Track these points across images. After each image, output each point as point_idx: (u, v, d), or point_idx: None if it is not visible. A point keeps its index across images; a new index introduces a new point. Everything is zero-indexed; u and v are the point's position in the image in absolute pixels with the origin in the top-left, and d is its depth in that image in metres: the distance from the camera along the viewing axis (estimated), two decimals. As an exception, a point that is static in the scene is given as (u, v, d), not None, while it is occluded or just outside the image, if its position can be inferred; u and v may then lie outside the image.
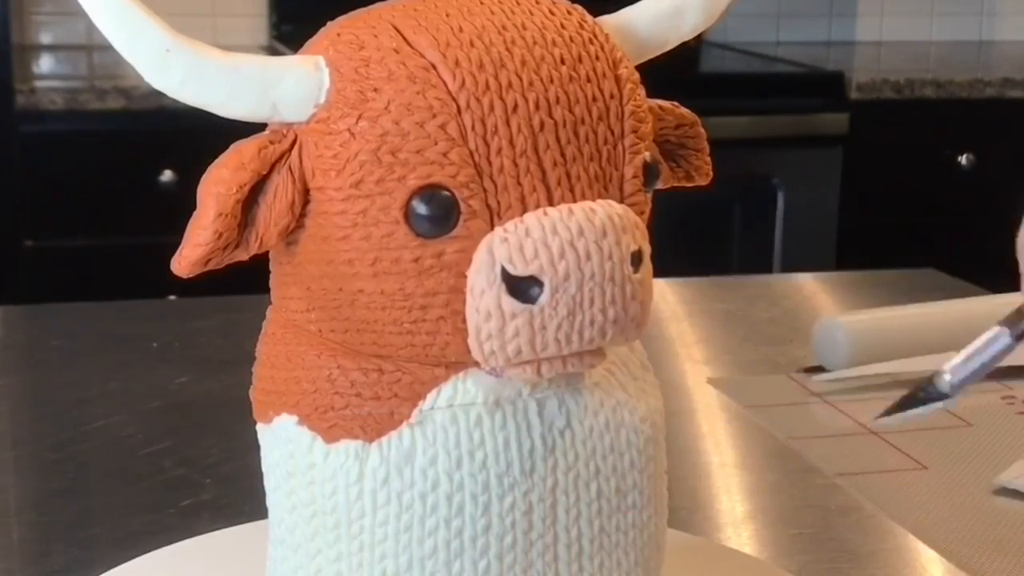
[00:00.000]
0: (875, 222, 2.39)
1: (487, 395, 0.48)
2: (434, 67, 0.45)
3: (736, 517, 0.79)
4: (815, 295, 1.22)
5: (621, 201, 0.47)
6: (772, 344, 1.07)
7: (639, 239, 0.46)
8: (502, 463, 0.48)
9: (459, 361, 0.47)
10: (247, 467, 0.56)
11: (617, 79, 0.48)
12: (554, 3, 0.48)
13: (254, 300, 0.57)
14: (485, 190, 0.45)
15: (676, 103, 0.52)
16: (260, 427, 0.51)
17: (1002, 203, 2.51)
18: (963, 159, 2.43)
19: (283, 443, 0.50)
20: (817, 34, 2.97)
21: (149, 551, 0.69)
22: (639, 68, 0.49)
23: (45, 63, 2.58)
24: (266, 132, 0.47)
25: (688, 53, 2.59)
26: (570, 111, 0.46)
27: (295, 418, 0.49)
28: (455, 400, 0.48)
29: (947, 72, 2.53)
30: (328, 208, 0.46)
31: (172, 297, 1.41)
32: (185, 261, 0.46)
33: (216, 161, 0.46)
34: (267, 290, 0.51)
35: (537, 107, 0.46)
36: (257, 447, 0.52)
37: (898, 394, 0.53)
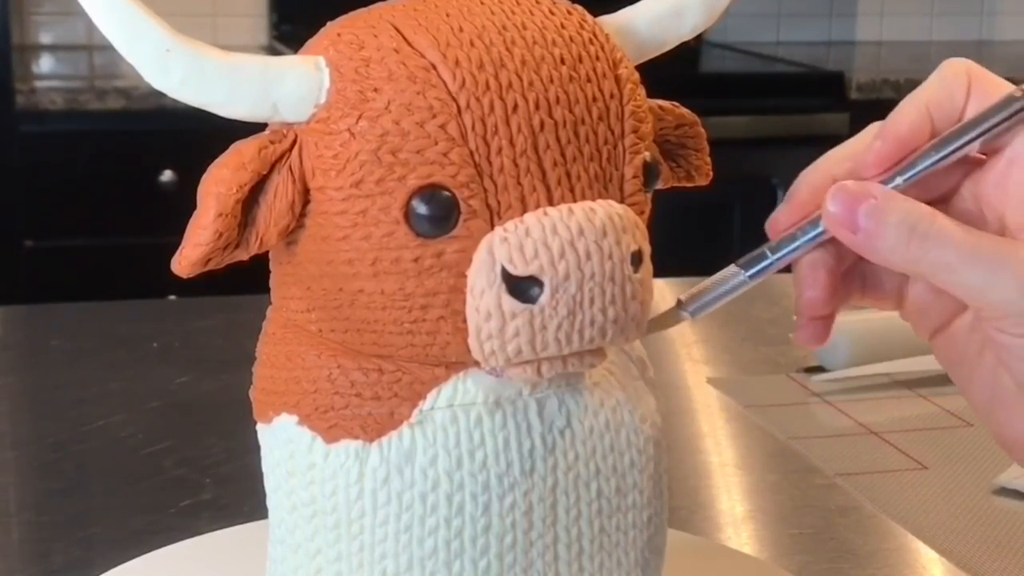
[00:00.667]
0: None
1: (487, 395, 0.48)
2: (434, 67, 0.45)
3: (736, 517, 0.79)
4: (815, 295, 1.21)
5: (621, 201, 0.47)
6: (772, 344, 1.07)
7: (639, 239, 0.46)
8: (502, 463, 0.48)
9: (459, 361, 0.47)
10: (247, 467, 0.57)
11: (617, 79, 0.48)
12: (554, 3, 0.48)
13: (254, 300, 0.57)
14: (485, 190, 0.45)
15: (676, 103, 0.52)
16: (260, 427, 0.51)
17: None
18: (963, 159, 2.42)
19: (283, 443, 0.50)
20: (817, 34, 2.97)
21: (149, 551, 0.69)
22: (639, 68, 0.49)
23: (45, 63, 2.58)
24: (266, 132, 0.47)
25: (688, 53, 2.59)
26: (570, 111, 0.46)
27: (295, 418, 0.49)
28: (455, 400, 0.48)
29: (947, 72, 2.52)
30: (328, 208, 0.46)
31: (172, 297, 1.41)
32: (185, 261, 0.46)
33: (216, 161, 0.46)
34: (267, 290, 0.51)
35: (537, 107, 0.46)
36: (257, 447, 0.52)
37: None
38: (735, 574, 0.70)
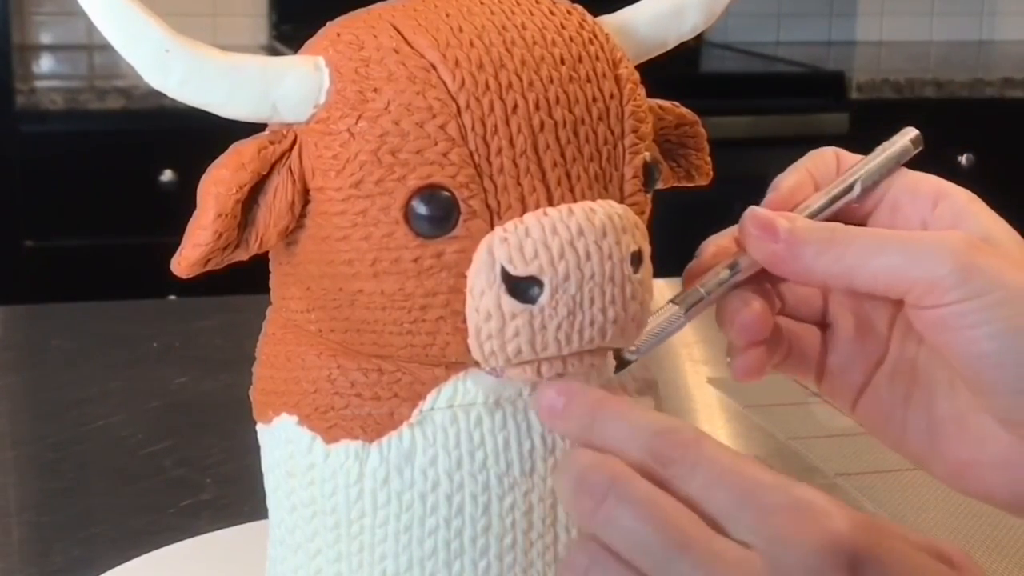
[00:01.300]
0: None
1: (487, 395, 0.48)
2: (434, 67, 0.45)
3: (736, 517, 0.79)
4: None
5: (621, 201, 0.47)
6: (772, 344, 1.07)
7: (639, 239, 0.46)
8: (502, 463, 0.48)
9: (459, 361, 0.47)
10: (247, 467, 0.56)
11: (617, 79, 0.47)
12: (554, 3, 0.48)
13: (254, 300, 0.57)
14: (485, 190, 0.45)
15: (676, 103, 0.52)
16: (260, 427, 0.51)
17: (1002, 203, 2.51)
18: (963, 159, 2.43)
19: (283, 443, 0.50)
20: (817, 34, 2.97)
21: (149, 551, 0.69)
22: (639, 68, 0.49)
23: (45, 63, 2.58)
24: (266, 132, 0.47)
25: (688, 53, 2.58)
26: (570, 111, 0.46)
27: (295, 418, 0.49)
28: (455, 400, 0.48)
29: (947, 72, 2.53)
30: (328, 208, 0.46)
31: (172, 297, 1.41)
32: (185, 261, 0.46)
33: (216, 161, 0.46)
34: (267, 290, 0.51)
35: (537, 107, 0.46)
36: (257, 447, 0.52)
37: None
38: (735, 574, 0.69)
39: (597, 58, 0.47)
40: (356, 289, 0.47)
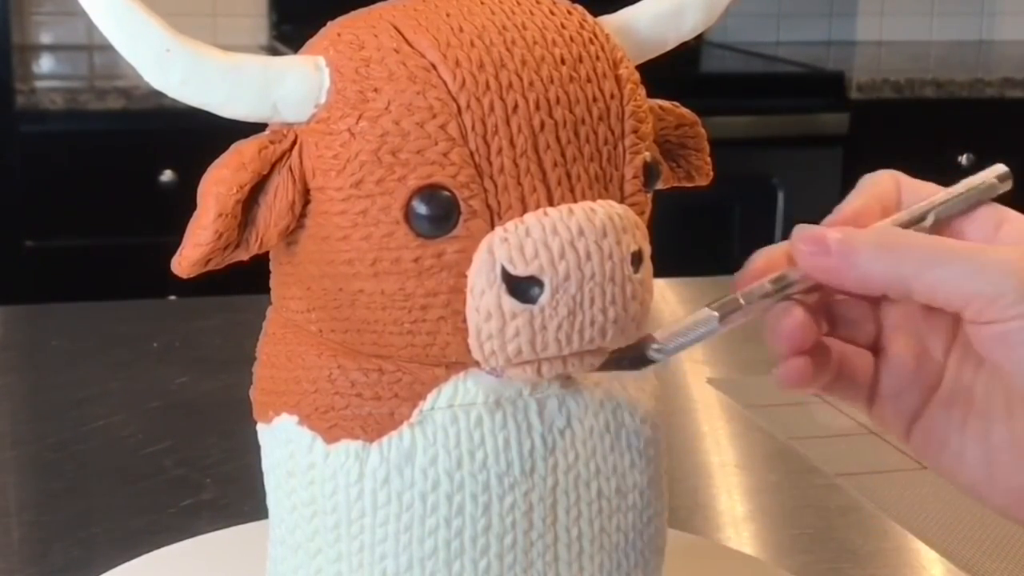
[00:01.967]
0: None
1: (487, 395, 0.48)
2: (434, 67, 0.45)
3: (736, 517, 0.79)
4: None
5: (621, 201, 0.47)
6: (772, 344, 1.07)
7: (639, 239, 0.46)
8: (502, 463, 0.48)
9: (459, 361, 0.47)
10: (247, 467, 0.56)
11: (617, 79, 0.47)
12: (554, 3, 0.48)
13: (254, 300, 0.57)
14: (485, 190, 0.45)
15: (676, 103, 0.52)
16: (260, 427, 0.51)
17: (1002, 203, 2.52)
18: (963, 159, 2.43)
19: (283, 443, 0.50)
20: (817, 34, 2.97)
21: (149, 551, 0.69)
22: (639, 68, 0.49)
23: (45, 63, 2.58)
24: (266, 132, 0.47)
25: (688, 53, 2.58)
26: (570, 111, 0.46)
27: (295, 418, 0.49)
28: (455, 400, 0.48)
29: (947, 72, 2.53)
30: (328, 208, 0.46)
31: (172, 297, 1.41)
32: (185, 261, 0.46)
33: (216, 161, 0.46)
34: (267, 290, 0.51)
35: (537, 107, 0.46)
36: (257, 447, 0.52)
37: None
38: (735, 574, 0.70)
39: (597, 58, 0.47)
40: (356, 289, 0.47)
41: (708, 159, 0.53)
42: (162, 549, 0.69)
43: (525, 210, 0.45)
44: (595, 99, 0.47)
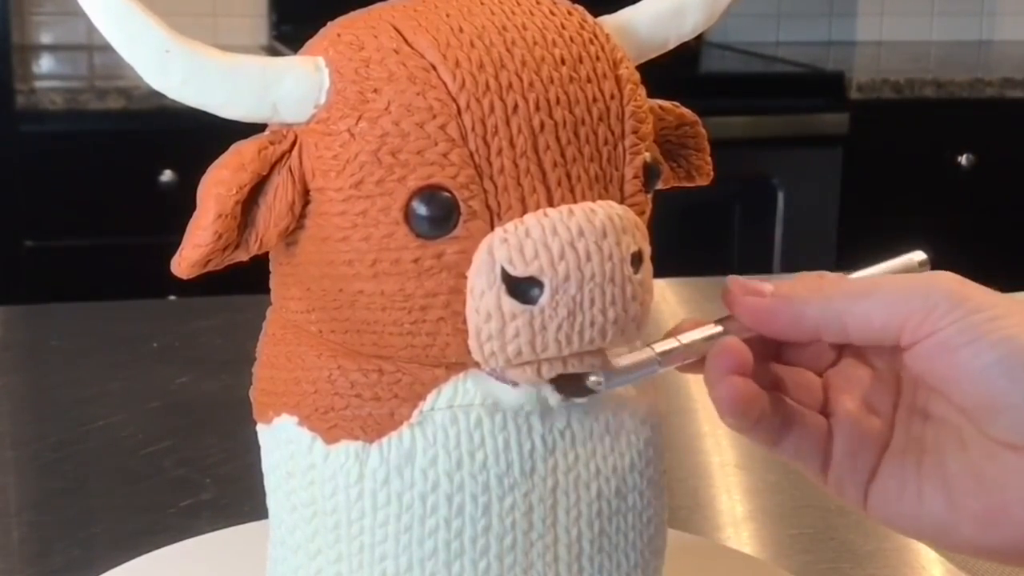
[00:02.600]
0: (875, 222, 2.39)
1: (487, 396, 0.48)
2: (434, 68, 0.45)
3: (736, 517, 0.79)
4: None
5: (621, 201, 0.47)
6: (772, 344, 1.07)
7: (639, 240, 0.46)
8: (502, 464, 0.48)
9: (459, 362, 0.47)
10: (247, 467, 0.57)
11: (617, 79, 0.47)
12: (554, 3, 0.48)
13: (254, 300, 0.57)
14: (485, 191, 0.45)
15: (676, 103, 0.52)
16: (260, 428, 0.51)
17: (1002, 203, 2.51)
18: (963, 159, 2.43)
19: (283, 444, 0.50)
20: (817, 34, 2.97)
21: (149, 551, 0.69)
22: (639, 68, 0.49)
23: (45, 63, 2.58)
24: (266, 133, 0.47)
25: (688, 53, 2.58)
26: (570, 112, 0.46)
27: (295, 419, 0.49)
28: (455, 401, 0.48)
29: (947, 72, 2.53)
30: (328, 209, 0.46)
31: (172, 297, 1.41)
32: (185, 262, 0.46)
33: (216, 162, 0.46)
34: (267, 290, 0.51)
35: (537, 108, 0.46)
36: (257, 447, 0.52)
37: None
38: (735, 574, 0.70)
39: (597, 58, 0.47)
40: (356, 290, 0.47)
41: (708, 159, 0.53)
42: (162, 549, 0.69)
43: (525, 211, 0.45)
44: (595, 99, 0.47)
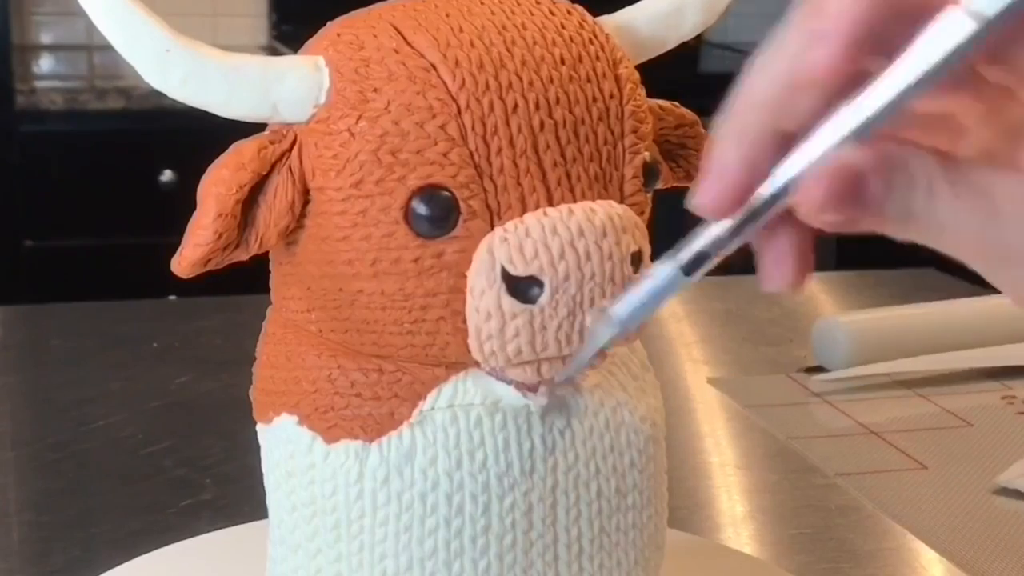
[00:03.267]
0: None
1: (487, 395, 0.48)
2: (434, 67, 0.45)
3: (736, 517, 0.79)
4: (815, 295, 1.22)
5: (621, 201, 0.47)
6: (772, 344, 1.07)
7: (639, 239, 0.46)
8: (502, 463, 0.48)
9: (459, 361, 0.47)
10: (247, 467, 0.56)
11: (617, 79, 0.48)
12: (554, 3, 0.48)
13: (254, 300, 0.57)
14: (485, 190, 0.45)
15: (676, 103, 0.52)
16: (260, 427, 0.51)
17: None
18: (963, 159, 2.42)
19: (283, 443, 0.50)
20: (817, 34, 2.96)
21: (149, 551, 0.69)
22: (639, 68, 0.49)
23: (45, 63, 2.58)
24: (266, 132, 0.47)
25: (688, 53, 2.58)
26: (570, 111, 0.46)
27: (295, 418, 0.49)
28: (455, 400, 0.48)
29: (947, 72, 2.52)
30: (328, 208, 0.46)
31: (172, 297, 1.40)
32: (185, 261, 0.46)
33: (216, 161, 0.46)
34: (267, 290, 0.51)
35: (537, 107, 0.46)
36: (257, 447, 0.52)
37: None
38: (735, 574, 0.70)
39: (597, 58, 0.47)
40: (356, 289, 0.47)
41: (708, 159, 0.53)
42: (162, 549, 0.69)
43: (525, 210, 0.45)
44: (595, 99, 0.47)
